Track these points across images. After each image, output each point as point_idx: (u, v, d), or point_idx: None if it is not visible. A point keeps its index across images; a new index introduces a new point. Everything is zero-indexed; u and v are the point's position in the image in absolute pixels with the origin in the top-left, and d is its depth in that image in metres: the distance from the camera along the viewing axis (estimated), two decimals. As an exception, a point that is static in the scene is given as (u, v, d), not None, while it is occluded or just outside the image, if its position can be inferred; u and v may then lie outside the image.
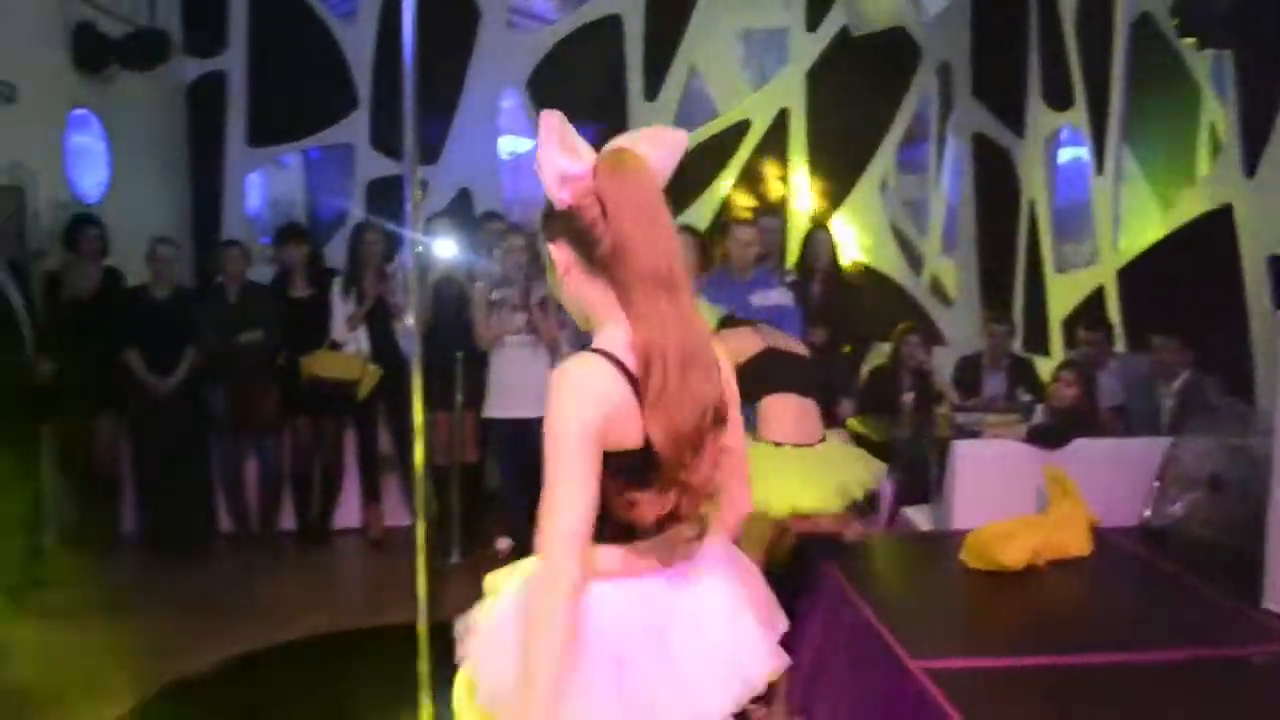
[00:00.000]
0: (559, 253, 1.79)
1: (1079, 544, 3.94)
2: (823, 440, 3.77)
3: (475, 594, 1.97)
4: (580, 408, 1.64)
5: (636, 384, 1.68)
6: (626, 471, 1.69)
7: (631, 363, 1.69)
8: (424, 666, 3.23)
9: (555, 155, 1.73)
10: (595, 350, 1.72)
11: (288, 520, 6.23)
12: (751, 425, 3.60)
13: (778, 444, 3.63)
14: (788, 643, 1.96)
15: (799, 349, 3.87)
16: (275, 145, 7.98)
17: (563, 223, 1.77)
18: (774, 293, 5.16)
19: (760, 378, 3.60)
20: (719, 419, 1.77)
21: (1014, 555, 3.72)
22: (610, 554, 1.76)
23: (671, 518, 1.76)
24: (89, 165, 6.47)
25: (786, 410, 3.71)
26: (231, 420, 5.97)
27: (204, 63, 7.76)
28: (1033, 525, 3.91)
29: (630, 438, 1.68)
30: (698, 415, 1.71)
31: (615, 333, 1.73)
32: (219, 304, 5.96)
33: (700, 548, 1.87)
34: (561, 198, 1.75)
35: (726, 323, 3.93)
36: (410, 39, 3.13)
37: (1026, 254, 7.57)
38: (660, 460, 1.69)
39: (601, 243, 1.72)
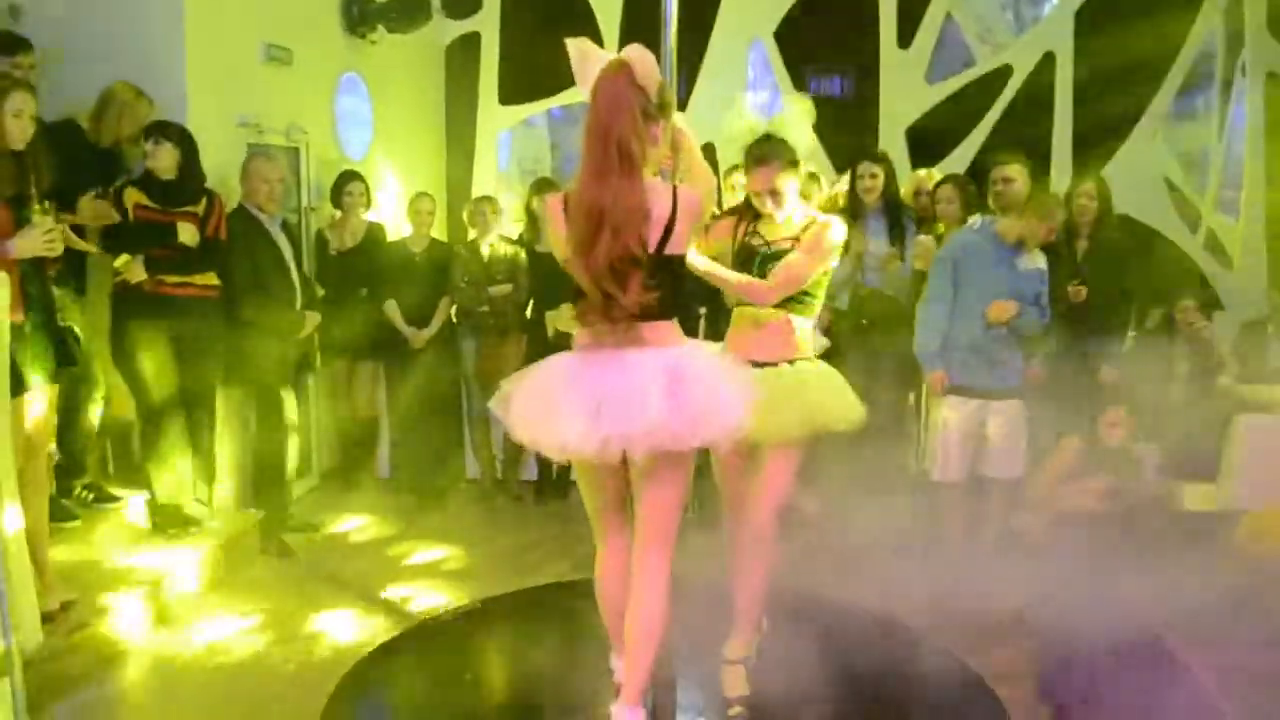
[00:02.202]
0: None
1: None
2: (792, 362, 3.49)
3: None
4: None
5: None
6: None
7: None
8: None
9: (585, 66, 2.79)
10: None
11: (530, 471, 6.40)
12: None
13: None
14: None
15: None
16: (525, 104, 8.15)
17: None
18: (1037, 254, 4.84)
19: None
20: (633, 261, 2.70)
21: None
22: (581, 333, 2.90)
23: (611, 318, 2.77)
24: (354, 125, 6.81)
25: (742, 323, 3.53)
26: (480, 371, 6.17)
27: (460, 24, 8.01)
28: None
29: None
30: (605, 260, 2.69)
31: None
32: (472, 258, 6.15)
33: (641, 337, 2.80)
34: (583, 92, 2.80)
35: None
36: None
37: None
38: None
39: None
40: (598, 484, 3.05)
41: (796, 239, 3.47)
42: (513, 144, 8.96)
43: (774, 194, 3.45)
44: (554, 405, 2.75)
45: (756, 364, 3.30)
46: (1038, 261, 4.83)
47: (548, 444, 2.80)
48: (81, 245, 4.47)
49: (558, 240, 2.89)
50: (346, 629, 4.34)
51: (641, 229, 2.71)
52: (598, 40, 7.78)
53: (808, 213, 3.57)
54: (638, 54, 2.73)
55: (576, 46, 2.82)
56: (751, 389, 2.85)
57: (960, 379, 4.82)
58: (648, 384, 2.69)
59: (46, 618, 3.63)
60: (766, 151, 3.44)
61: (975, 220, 4.96)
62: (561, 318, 5.92)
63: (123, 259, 4.67)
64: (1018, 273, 4.77)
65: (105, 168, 4.88)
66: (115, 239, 4.68)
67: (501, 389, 2.94)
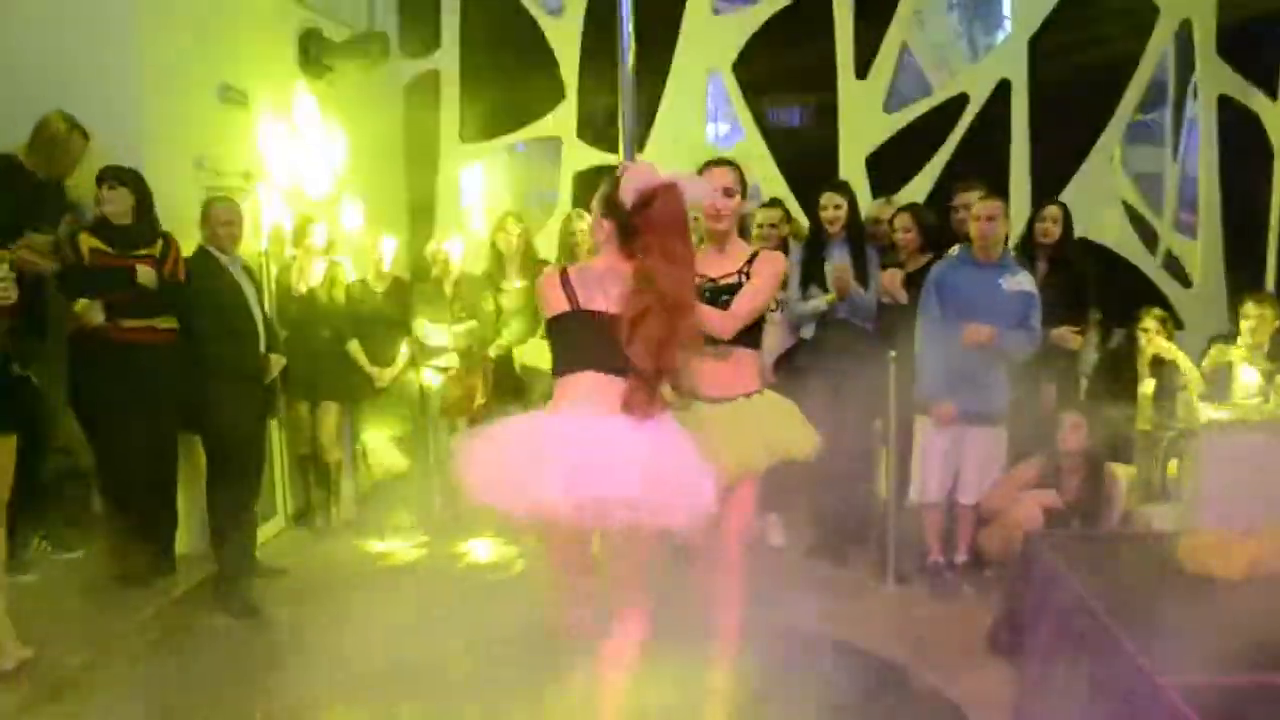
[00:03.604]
0: (605, 225, 2.98)
1: None
2: (748, 396, 3.48)
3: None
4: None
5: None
6: None
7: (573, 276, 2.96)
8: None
9: (639, 181, 2.88)
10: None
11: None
12: None
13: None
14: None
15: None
16: (486, 140, 8.15)
17: (617, 213, 2.93)
18: (1023, 276, 4.88)
19: None
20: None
21: (1231, 567, 3.32)
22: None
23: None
24: (314, 165, 6.77)
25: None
26: (445, 409, 6.11)
27: (419, 62, 8.01)
28: (1259, 536, 3.46)
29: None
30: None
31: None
32: (435, 295, 6.10)
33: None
34: (624, 200, 2.89)
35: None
36: (626, 32, 3.14)
37: (1281, 228, 6.90)
38: None
39: (633, 239, 2.89)
40: (563, 550, 3.07)
41: (742, 272, 3.49)
42: (476, 180, 8.95)
43: (728, 192, 3.48)
44: (528, 470, 2.68)
45: (715, 399, 3.30)
46: (1023, 283, 4.86)
47: (516, 506, 2.71)
48: (39, 264, 4.41)
49: (545, 305, 3.01)
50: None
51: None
52: (556, 75, 7.86)
53: (744, 246, 3.62)
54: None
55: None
56: (710, 476, 2.86)
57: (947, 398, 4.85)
58: (631, 452, 2.71)
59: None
60: (724, 160, 3.56)
61: (954, 250, 5.01)
62: (530, 353, 5.90)
63: (81, 304, 4.61)
64: (1001, 295, 4.80)
65: (45, 204, 4.81)
66: (72, 284, 4.61)
67: (460, 446, 2.91)
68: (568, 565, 3.10)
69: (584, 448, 2.69)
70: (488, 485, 2.75)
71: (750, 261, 3.50)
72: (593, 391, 2.83)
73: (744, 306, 3.43)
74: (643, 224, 2.86)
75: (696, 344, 2.91)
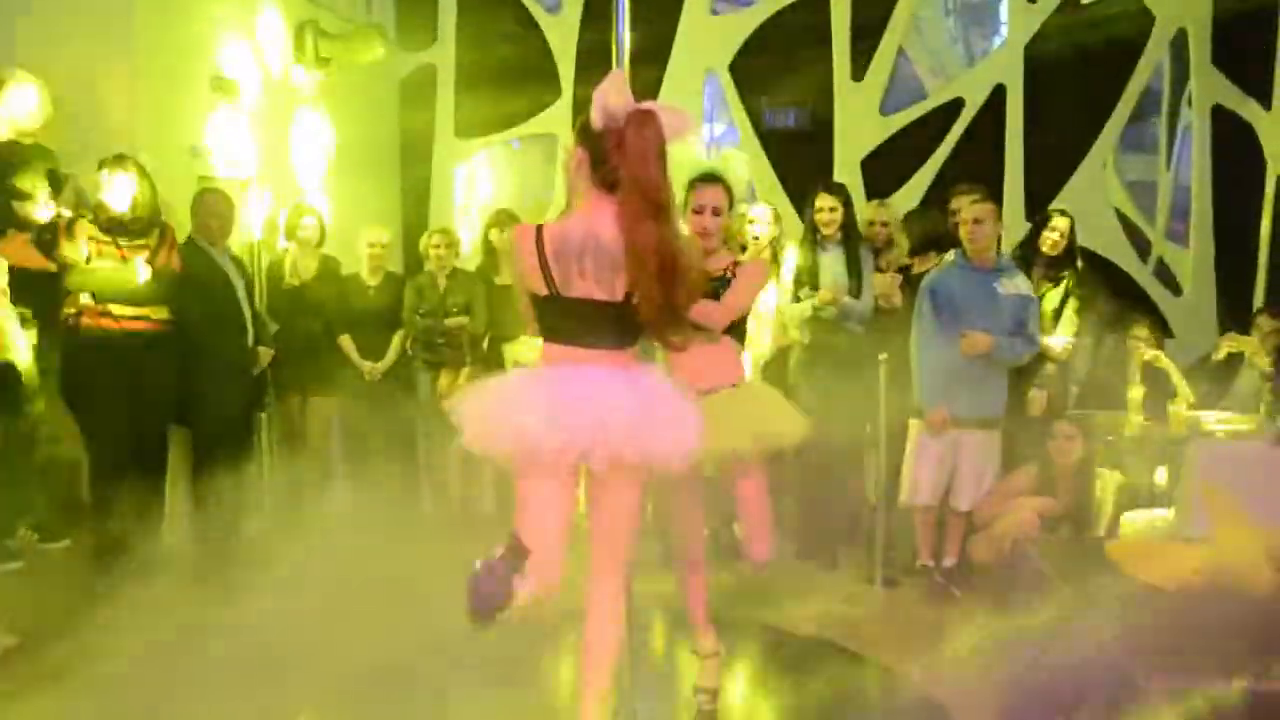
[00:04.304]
0: (578, 153, 2.77)
1: (1254, 578, 3.31)
2: (734, 386, 3.58)
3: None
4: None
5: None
6: None
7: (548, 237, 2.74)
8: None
9: (611, 97, 2.70)
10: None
11: (489, 503, 6.31)
12: None
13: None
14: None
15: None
16: (481, 136, 8.14)
17: (590, 138, 2.74)
18: (1020, 280, 4.90)
19: None
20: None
21: (1159, 575, 3.36)
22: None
23: None
24: (308, 157, 6.75)
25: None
26: (437, 404, 6.10)
27: (415, 56, 8.00)
28: (1191, 547, 3.49)
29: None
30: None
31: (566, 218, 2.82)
32: (428, 290, 6.10)
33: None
34: (595, 120, 2.71)
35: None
36: (623, 30, 3.13)
37: (1272, 239, 6.92)
38: None
39: (606, 166, 2.70)
40: (548, 500, 2.79)
41: (729, 270, 3.59)
42: (470, 176, 8.94)
43: (715, 212, 3.54)
44: (514, 405, 2.70)
45: (702, 391, 3.32)
46: (1021, 287, 4.86)
47: (502, 440, 2.69)
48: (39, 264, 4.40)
49: (521, 275, 2.84)
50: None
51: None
52: (553, 73, 7.86)
53: (728, 258, 3.68)
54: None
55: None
56: (699, 416, 2.85)
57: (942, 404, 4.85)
58: (617, 394, 2.70)
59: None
60: (712, 176, 3.58)
61: (950, 255, 5.01)
62: (521, 348, 5.88)
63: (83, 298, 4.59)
64: (998, 300, 4.80)
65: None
66: (71, 276, 4.60)
67: (459, 397, 2.87)
68: (545, 516, 2.79)
69: (568, 385, 2.71)
70: (477, 425, 2.75)
71: (734, 265, 3.63)
72: (582, 357, 2.79)
73: (731, 301, 3.55)
74: (616, 151, 2.69)
75: (695, 291, 2.87)
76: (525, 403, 2.69)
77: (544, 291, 2.77)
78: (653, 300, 2.70)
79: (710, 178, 3.57)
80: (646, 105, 2.74)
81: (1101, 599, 3.28)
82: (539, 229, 2.78)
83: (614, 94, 2.72)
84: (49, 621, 4.15)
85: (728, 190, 3.59)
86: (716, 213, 3.54)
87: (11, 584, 4.43)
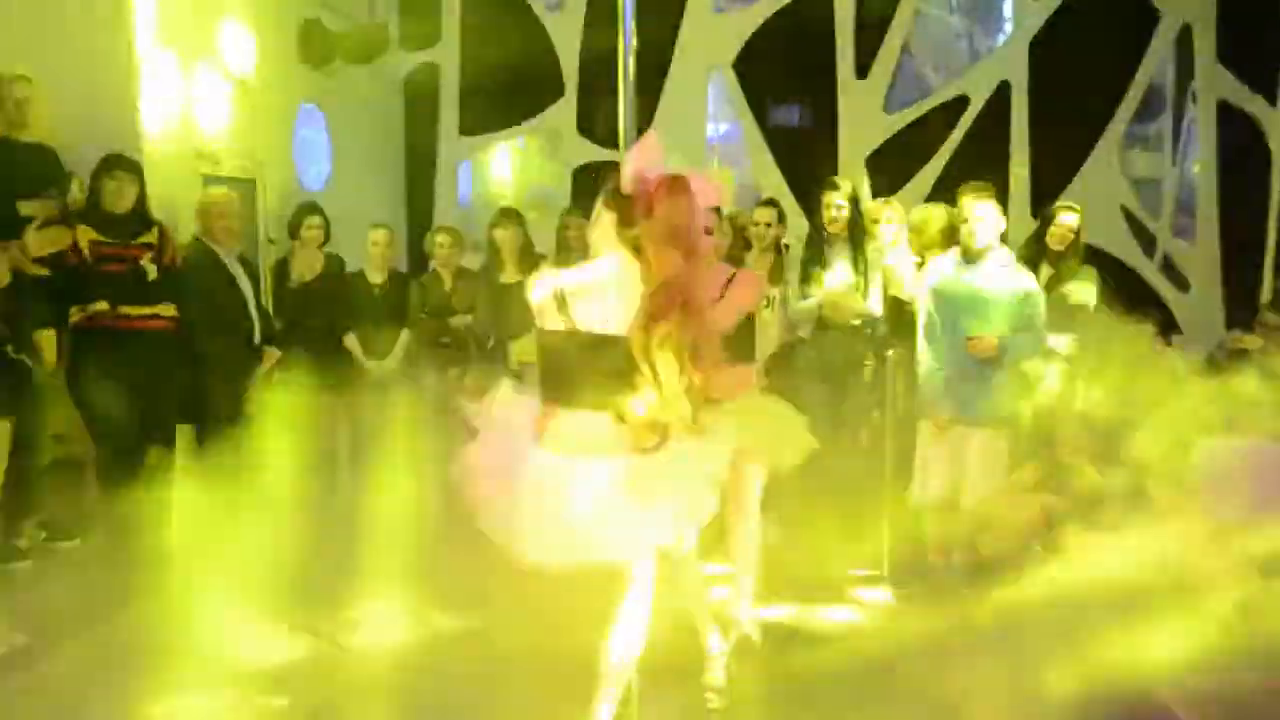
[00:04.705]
0: (604, 212, 2.71)
1: None
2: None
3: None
4: None
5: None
6: None
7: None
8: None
9: (642, 161, 2.68)
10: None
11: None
12: None
13: None
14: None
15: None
16: (485, 134, 8.14)
17: (618, 202, 2.69)
18: (1025, 276, 4.87)
19: None
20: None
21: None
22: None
23: None
24: (312, 156, 6.76)
25: None
26: (443, 402, 6.09)
27: (419, 55, 8.00)
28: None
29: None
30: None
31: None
32: (433, 289, 6.10)
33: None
34: (626, 184, 2.68)
35: None
36: (627, 29, 3.12)
37: (1279, 235, 6.91)
38: None
39: (632, 229, 2.63)
40: None
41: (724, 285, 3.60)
42: (474, 174, 8.96)
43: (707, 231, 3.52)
44: (510, 515, 2.71)
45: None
46: (1025, 283, 4.84)
47: (516, 547, 2.72)
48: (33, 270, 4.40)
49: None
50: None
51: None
52: (556, 71, 7.87)
53: (725, 268, 3.73)
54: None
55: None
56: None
57: (947, 403, 4.84)
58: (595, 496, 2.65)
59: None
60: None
61: (953, 250, 4.99)
62: (526, 347, 5.87)
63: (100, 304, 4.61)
64: (1004, 296, 4.78)
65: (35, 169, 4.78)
66: (77, 281, 4.61)
67: (462, 463, 2.85)
68: None
69: (560, 495, 2.64)
70: (491, 521, 2.76)
71: (728, 283, 3.61)
72: (578, 432, 2.69)
73: (722, 315, 3.50)
74: (645, 217, 2.62)
75: (714, 352, 2.76)
76: (520, 519, 2.68)
77: (559, 325, 2.74)
78: (668, 358, 2.58)
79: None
80: (680, 173, 2.68)
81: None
82: (558, 277, 2.77)
83: (646, 158, 2.65)
84: (58, 621, 4.15)
85: (716, 210, 3.59)
86: (708, 231, 3.52)
87: (20, 583, 4.43)
